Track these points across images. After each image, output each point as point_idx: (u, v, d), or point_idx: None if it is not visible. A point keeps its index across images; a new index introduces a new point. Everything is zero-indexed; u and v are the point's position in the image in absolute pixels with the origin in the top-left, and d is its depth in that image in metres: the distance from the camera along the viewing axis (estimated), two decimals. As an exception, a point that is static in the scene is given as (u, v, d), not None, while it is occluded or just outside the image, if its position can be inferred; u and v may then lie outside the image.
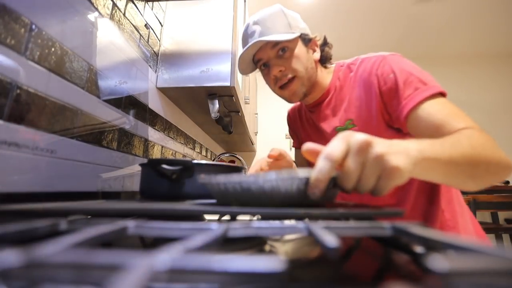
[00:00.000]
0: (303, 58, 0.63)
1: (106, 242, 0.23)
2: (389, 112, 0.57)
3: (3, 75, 0.39)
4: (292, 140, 0.90)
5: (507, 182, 2.31)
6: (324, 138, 0.69)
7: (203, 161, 0.48)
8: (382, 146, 0.29)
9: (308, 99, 0.70)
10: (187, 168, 0.44)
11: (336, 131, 0.65)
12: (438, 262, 0.11)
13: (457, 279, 0.11)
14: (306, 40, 0.65)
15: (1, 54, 0.39)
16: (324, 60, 0.69)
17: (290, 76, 0.62)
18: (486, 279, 0.11)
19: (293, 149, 0.89)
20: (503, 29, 2.58)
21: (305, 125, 0.78)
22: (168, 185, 0.45)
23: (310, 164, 0.66)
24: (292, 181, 0.29)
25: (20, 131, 0.42)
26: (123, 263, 0.10)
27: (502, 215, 2.31)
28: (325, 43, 0.70)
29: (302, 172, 0.29)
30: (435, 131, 0.49)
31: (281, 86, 0.65)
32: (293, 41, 0.62)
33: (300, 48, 0.63)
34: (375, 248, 0.24)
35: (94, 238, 0.16)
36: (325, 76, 0.69)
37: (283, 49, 0.61)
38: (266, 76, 0.67)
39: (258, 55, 0.64)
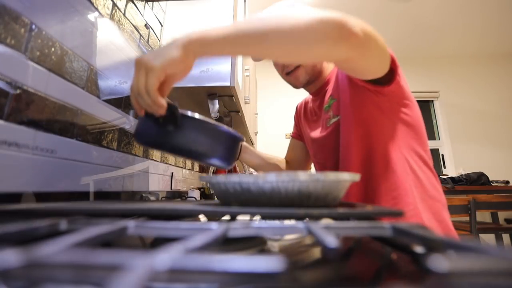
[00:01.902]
0: None
1: (106, 242, 0.23)
2: None
3: (3, 75, 0.39)
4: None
5: (507, 182, 2.31)
6: (319, 124, 0.75)
7: (196, 115, 0.44)
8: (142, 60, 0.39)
9: (311, 87, 0.75)
10: (171, 112, 0.41)
11: (324, 110, 0.72)
12: (438, 262, 0.11)
13: (457, 279, 0.11)
14: None
15: (1, 54, 0.39)
16: None
17: (295, 65, 0.68)
18: (486, 279, 0.11)
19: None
20: (501, 29, 2.58)
21: (308, 115, 0.82)
22: (156, 130, 0.43)
23: (304, 156, 0.82)
24: (293, 183, 0.29)
25: (20, 131, 0.42)
26: (123, 263, 0.10)
27: (502, 215, 2.32)
28: None
29: (303, 175, 0.29)
30: None
31: (287, 73, 0.71)
32: None
33: None
34: (375, 248, 0.24)
35: (94, 238, 0.16)
36: (330, 66, 0.74)
37: None
38: (274, 63, 0.73)
39: None
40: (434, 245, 0.17)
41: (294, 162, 0.91)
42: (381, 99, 0.60)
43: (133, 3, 0.78)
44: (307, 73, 0.71)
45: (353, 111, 0.63)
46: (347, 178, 0.32)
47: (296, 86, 0.74)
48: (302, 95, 0.87)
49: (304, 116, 0.85)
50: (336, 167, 0.69)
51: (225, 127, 0.47)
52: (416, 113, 0.64)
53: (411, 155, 0.61)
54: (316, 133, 0.76)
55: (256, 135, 2.33)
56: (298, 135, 0.91)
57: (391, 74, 0.56)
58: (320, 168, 0.78)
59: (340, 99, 0.66)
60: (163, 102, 0.40)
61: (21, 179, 0.42)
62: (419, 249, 0.18)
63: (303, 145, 0.89)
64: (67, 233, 0.21)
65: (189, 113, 0.43)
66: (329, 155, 0.71)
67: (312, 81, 0.73)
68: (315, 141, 0.76)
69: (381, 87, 0.58)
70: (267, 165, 0.88)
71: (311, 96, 0.82)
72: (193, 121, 0.44)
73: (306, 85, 0.74)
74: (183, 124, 0.43)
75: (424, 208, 0.59)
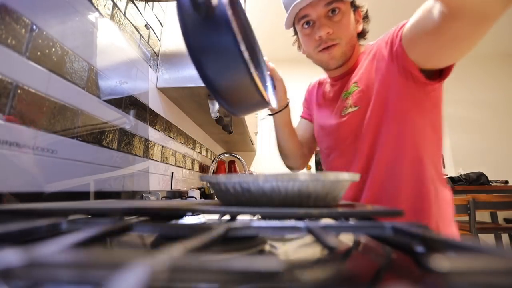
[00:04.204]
0: (351, 25, 0.61)
1: (106, 242, 0.23)
2: (391, 52, 0.56)
3: (4, 75, 0.39)
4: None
5: (506, 182, 2.31)
6: (332, 110, 0.69)
7: (234, 27, 0.31)
8: None
9: (336, 70, 0.68)
10: None
11: (342, 96, 0.66)
12: (438, 262, 0.11)
13: (457, 279, 0.11)
14: (355, 7, 0.63)
15: (2, 54, 0.39)
16: (361, 35, 0.67)
17: (335, 42, 0.60)
18: (486, 279, 0.11)
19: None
20: (501, 30, 2.58)
21: (320, 98, 0.77)
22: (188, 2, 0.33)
23: (308, 137, 0.76)
24: (293, 183, 0.29)
25: (20, 131, 0.42)
26: (123, 263, 0.10)
27: (501, 214, 2.32)
28: (366, 16, 0.67)
29: (303, 175, 0.29)
30: (427, 15, 0.47)
31: (322, 49, 0.62)
32: (347, 4, 0.60)
33: (351, 14, 0.61)
34: (375, 248, 0.24)
35: (94, 238, 0.16)
36: (358, 51, 0.67)
37: (334, 10, 0.58)
38: (306, 36, 0.63)
39: (305, 11, 0.59)
40: (434, 245, 0.17)
41: (303, 143, 0.82)
42: (422, 96, 0.56)
43: (134, 3, 0.78)
44: (343, 53, 0.62)
45: (391, 105, 0.57)
46: (347, 178, 0.32)
47: (329, 65, 0.65)
48: (303, 94, 0.86)
49: (316, 99, 0.78)
50: (344, 160, 0.64)
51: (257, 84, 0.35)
52: (441, 119, 0.60)
53: (434, 163, 0.58)
54: (326, 119, 0.69)
55: (256, 135, 2.33)
56: (308, 114, 0.84)
57: (446, 70, 0.53)
58: (325, 157, 0.72)
59: (368, 90, 0.60)
60: None
61: (21, 179, 0.42)
62: (419, 249, 0.18)
63: (311, 125, 0.82)
64: (67, 233, 0.21)
65: (228, 14, 0.31)
66: (337, 145, 0.66)
67: (345, 63, 0.65)
68: (323, 128, 0.71)
69: (431, 82, 0.54)
70: (292, 143, 0.77)
71: (327, 78, 0.76)
72: (227, 30, 0.31)
73: (340, 66, 0.65)
74: (215, 21, 0.32)
75: (444, 224, 0.56)
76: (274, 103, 0.54)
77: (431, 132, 0.58)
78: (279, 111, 0.71)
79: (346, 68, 0.67)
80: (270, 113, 0.73)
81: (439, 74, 0.54)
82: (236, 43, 0.32)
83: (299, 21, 0.62)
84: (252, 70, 0.35)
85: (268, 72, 0.61)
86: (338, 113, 0.66)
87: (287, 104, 0.71)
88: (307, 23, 0.62)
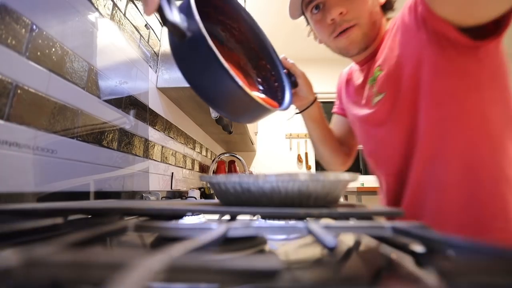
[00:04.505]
0: (369, 0, 0.51)
1: (106, 242, 0.23)
2: (416, 17, 0.46)
3: (4, 75, 0.39)
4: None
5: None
6: (363, 100, 0.60)
7: (210, 44, 0.32)
8: None
9: (361, 54, 0.59)
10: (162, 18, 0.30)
11: (368, 83, 0.58)
12: (438, 262, 0.11)
13: (457, 279, 0.11)
14: None
15: (2, 54, 0.39)
16: (387, 6, 0.55)
17: (352, 23, 0.50)
18: (486, 279, 0.11)
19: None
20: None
21: (350, 88, 0.68)
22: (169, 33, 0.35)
23: (349, 134, 0.67)
24: (293, 183, 0.29)
25: (20, 131, 0.42)
26: (123, 263, 0.10)
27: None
28: None
29: (303, 175, 0.29)
30: None
31: (339, 34, 0.53)
32: None
33: None
34: (375, 248, 0.24)
35: (94, 237, 0.16)
36: (384, 27, 0.56)
37: None
38: (318, 23, 0.54)
39: None
40: (434, 245, 0.17)
41: (342, 141, 0.74)
42: (470, 66, 0.43)
43: (134, 3, 0.78)
44: (365, 34, 0.52)
45: (425, 85, 0.45)
46: (347, 178, 0.32)
47: (349, 51, 0.56)
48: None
49: (346, 88, 0.69)
50: (378, 155, 0.57)
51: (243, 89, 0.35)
52: (510, 92, 0.45)
53: (508, 155, 0.43)
54: (358, 111, 0.61)
55: (256, 135, 2.33)
56: (341, 109, 0.74)
57: (504, 22, 0.39)
58: (365, 155, 0.64)
59: (392, 72, 0.50)
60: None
61: (21, 179, 0.42)
62: (419, 249, 0.18)
63: (346, 121, 0.73)
64: (67, 232, 0.21)
65: (203, 32, 0.31)
66: (369, 139, 0.59)
67: (370, 44, 0.55)
68: (355, 121, 0.63)
69: (481, 42, 0.41)
70: (327, 142, 0.69)
71: (355, 64, 0.66)
72: (200, 46, 0.32)
73: (363, 49, 0.56)
74: (191, 43, 0.33)
75: None
76: (286, 105, 0.51)
77: (500, 111, 0.44)
78: (306, 108, 0.64)
79: (372, 49, 0.57)
80: (297, 111, 0.67)
81: (495, 29, 0.40)
82: (218, 60, 0.33)
83: (307, 6, 0.54)
84: (241, 83, 0.36)
85: (285, 71, 0.57)
86: (368, 104, 0.57)
87: (315, 99, 0.63)
88: (316, 7, 0.53)
